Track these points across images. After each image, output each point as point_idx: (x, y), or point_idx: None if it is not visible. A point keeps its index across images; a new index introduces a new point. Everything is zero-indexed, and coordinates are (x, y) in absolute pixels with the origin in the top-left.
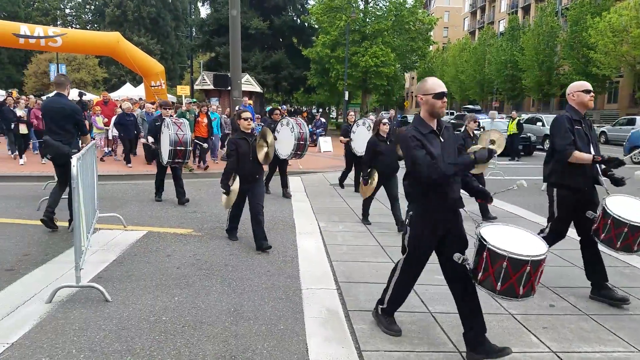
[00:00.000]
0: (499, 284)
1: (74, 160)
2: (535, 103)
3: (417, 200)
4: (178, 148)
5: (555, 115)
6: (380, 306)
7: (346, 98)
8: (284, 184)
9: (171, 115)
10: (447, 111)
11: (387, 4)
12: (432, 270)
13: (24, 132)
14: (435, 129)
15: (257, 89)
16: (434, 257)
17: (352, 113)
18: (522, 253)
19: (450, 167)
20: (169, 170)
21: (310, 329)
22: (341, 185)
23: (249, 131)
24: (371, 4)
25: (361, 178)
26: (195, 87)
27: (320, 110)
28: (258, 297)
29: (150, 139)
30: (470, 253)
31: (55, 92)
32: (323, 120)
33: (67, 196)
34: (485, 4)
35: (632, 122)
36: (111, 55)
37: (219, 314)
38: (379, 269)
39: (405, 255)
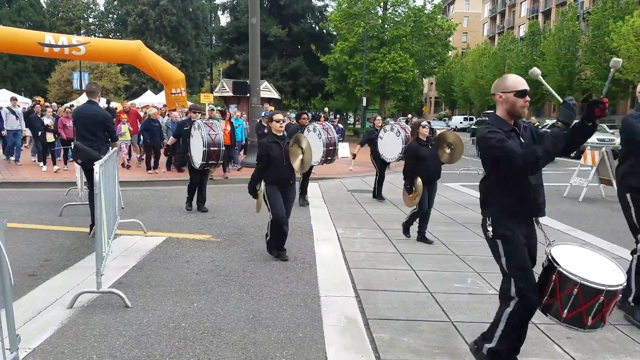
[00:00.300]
0: (566, 311)
1: (96, 166)
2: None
3: (496, 202)
4: (212, 149)
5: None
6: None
7: (364, 104)
8: (303, 191)
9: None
10: (465, 116)
11: (406, 10)
12: (452, 279)
13: (50, 140)
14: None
15: (275, 95)
16: (456, 264)
17: (379, 117)
18: (597, 281)
19: (542, 148)
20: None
21: (329, 337)
22: (380, 197)
23: (281, 134)
24: (390, 10)
25: (404, 187)
26: (215, 94)
27: (338, 116)
28: (276, 304)
29: (172, 139)
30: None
31: (87, 99)
32: (341, 126)
33: (87, 202)
34: (505, 9)
35: None
36: (133, 63)
37: (238, 320)
38: (397, 277)
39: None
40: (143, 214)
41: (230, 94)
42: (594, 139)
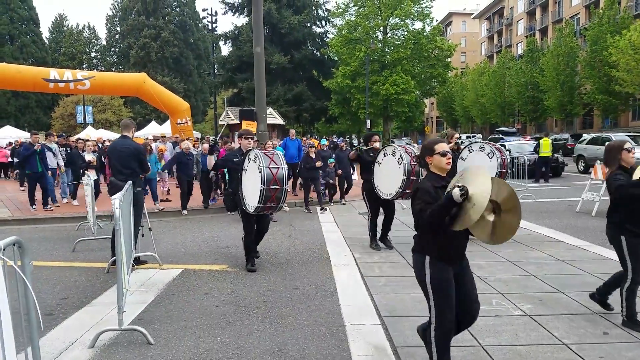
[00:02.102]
0: None
1: (116, 202)
2: (558, 123)
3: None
4: (271, 187)
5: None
6: None
7: (368, 126)
8: (386, 230)
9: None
10: (467, 135)
11: (406, 33)
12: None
13: (93, 179)
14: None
15: (279, 121)
16: (479, 285)
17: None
18: None
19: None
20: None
21: None
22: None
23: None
24: (389, 34)
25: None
26: (220, 122)
27: (342, 138)
28: (301, 335)
29: (210, 163)
30: None
31: (121, 134)
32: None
33: (107, 236)
34: (502, 28)
35: None
36: (138, 95)
37: (264, 354)
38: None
39: None
40: (156, 245)
41: (236, 121)
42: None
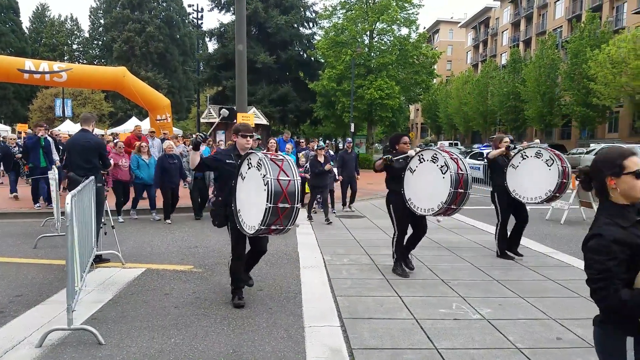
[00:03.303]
0: None
1: (68, 197)
2: (537, 133)
3: None
4: (280, 205)
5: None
6: None
7: (352, 130)
8: (410, 249)
9: (261, 148)
10: (451, 141)
11: (392, 38)
12: (437, 305)
13: None
14: None
15: (263, 121)
16: (442, 289)
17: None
18: None
19: None
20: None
21: None
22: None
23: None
24: (376, 39)
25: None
26: (202, 120)
27: (327, 141)
28: (258, 337)
29: (189, 177)
30: None
31: (80, 128)
32: (331, 152)
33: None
34: (487, 38)
35: None
36: (117, 89)
37: (217, 356)
38: (383, 304)
39: None
40: (121, 244)
41: (218, 120)
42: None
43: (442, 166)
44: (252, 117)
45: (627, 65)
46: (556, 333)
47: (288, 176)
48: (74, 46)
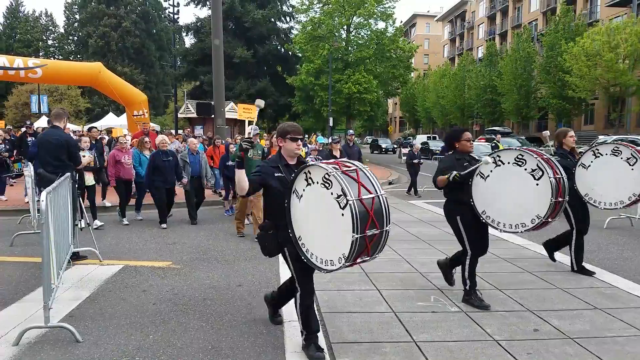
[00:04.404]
0: None
1: (43, 194)
2: (514, 126)
3: None
4: (369, 233)
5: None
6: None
7: (330, 124)
8: (455, 265)
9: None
10: (429, 135)
11: (369, 33)
12: (415, 298)
13: (90, 184)
14: None
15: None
16: (420, 282)
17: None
18: None
19: None
20: None
21: None
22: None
23: None
24: (353, 33)
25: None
26: (180, 116)
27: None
28: (237, 333)
29: (185, 178)
30: None
31: (51, 124)
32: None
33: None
34: (463, 32)
35: None
36: (93, 85)
37: (196, 352)
38: (362, 297)
39: None
40: (99, 241)
41: (195, 115)
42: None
43: (533, 170)
44: (255, 108)
45: (601, 57)
46: (533, 325)
47: (370, 192)
48: (49, 42)
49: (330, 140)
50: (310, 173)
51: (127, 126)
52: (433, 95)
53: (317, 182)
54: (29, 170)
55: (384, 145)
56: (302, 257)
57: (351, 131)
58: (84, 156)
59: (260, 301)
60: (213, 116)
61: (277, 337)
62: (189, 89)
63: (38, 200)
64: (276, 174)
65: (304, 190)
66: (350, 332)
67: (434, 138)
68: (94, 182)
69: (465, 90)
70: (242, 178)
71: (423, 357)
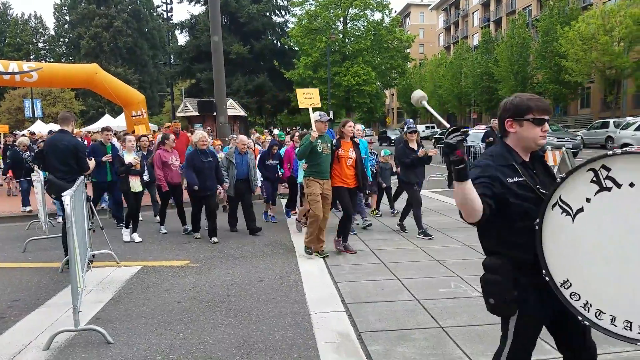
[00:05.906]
0: None
1: (66, 198)
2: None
3: None
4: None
5: None
6: None
7: (331, 117)
8: None
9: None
10: (427, 125)
11: (365, 24)
12: (436, 285)
13: (137, 190)
14: None
15: (241, 112)
16: (438, 270)
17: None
18: None
19: None
20: None
21: (324, 354)
22: None
23: None
24: (350, 25)
25: None
26: (178, 114)
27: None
28: (266, 327)
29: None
30: None
31: (59, 128)
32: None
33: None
34: (458, 19)
35: (605, 125)
36: (89, 87)
37: (228, 347)
38: (384, 287)
39: None
40: (113, 243)
41: (195, 113)
42: (553, 139)
43: None
44: (317, 93)
45: (596, 41)
46: None
47: None
48: (40, 44)
49: (405, 129)
50: (607, 170)
51: (126, 127)
52: (430, 85)
53: (624, 184)
54: (37, 175)
55: (393, 137)
56: (579, 318)
57: (361, 126)
58: (135, 158)
59: (284, 295)
60: (215, 114)
61: (306, 328)
62: (186, 87)
63: (54, 203)
64: (511, 180)
65: (587, 200)
66: (377, 320)
67: (432, 127)
68: (142, 188)
69: (462, 79)
70: (469, 195)
71: (452, 342)
